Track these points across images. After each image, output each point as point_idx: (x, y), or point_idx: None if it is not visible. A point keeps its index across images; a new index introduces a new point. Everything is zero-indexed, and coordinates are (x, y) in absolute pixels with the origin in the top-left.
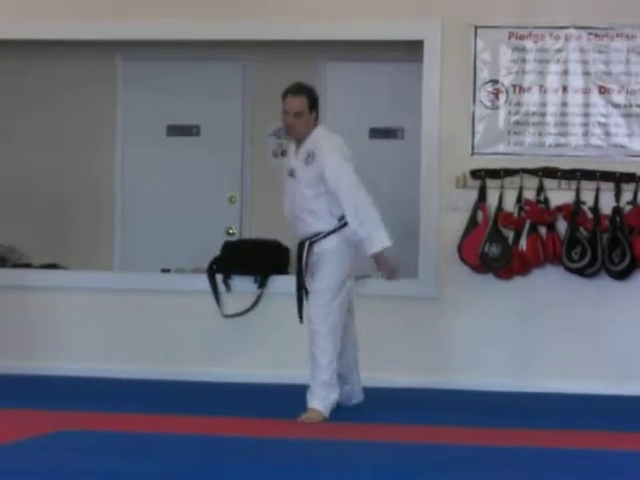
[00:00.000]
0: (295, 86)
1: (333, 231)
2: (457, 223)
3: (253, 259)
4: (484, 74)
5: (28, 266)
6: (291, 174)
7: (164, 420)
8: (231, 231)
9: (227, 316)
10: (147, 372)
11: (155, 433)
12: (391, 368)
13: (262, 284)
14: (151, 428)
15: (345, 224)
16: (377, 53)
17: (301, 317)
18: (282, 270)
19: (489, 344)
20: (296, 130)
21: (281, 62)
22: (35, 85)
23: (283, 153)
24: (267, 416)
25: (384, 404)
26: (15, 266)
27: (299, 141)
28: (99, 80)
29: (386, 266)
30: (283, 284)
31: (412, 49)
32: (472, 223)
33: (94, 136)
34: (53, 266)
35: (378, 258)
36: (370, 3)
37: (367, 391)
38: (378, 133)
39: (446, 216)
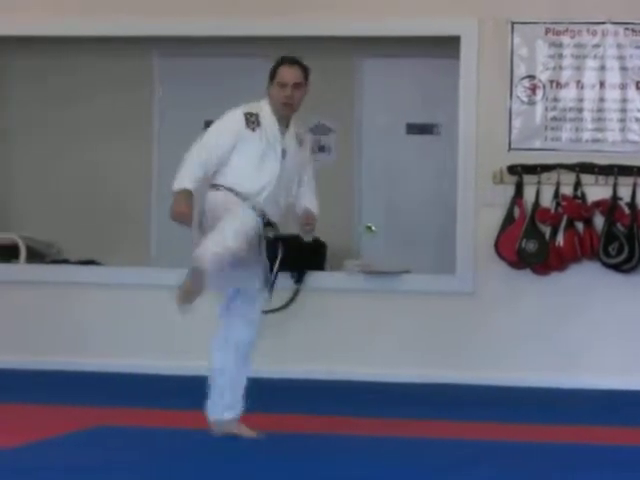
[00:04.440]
0: (289, 57)
1: None
2: (494, 219)
3: (290, 255)
4: (521, 70)
5: (66, 262)
6: (283, 155)
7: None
8: None
9: (265, 312)
10: (187, 368)
11: (192, 429)
12: (428, 364)
13: (299, 280)
14: (188, 424)
15: None
16: (414, 49)
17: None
18: (319, 266)
19: (526, 339)
20: (293, 104)
21: (316, 59)
22: (75, 81)
23: (321, 149)
24: (301, 411)
25: (422, 400)
26: (53, 262)
27: (286, 118)
28: (136, 76)
29: None
30: (320, 280)
31: (449, 45)
32: (509, 219)
33: (131, 132)
34: (91, 262)
35: None
36: None
37: (406, 387)
38: (415, 129)
39: (483, 212)
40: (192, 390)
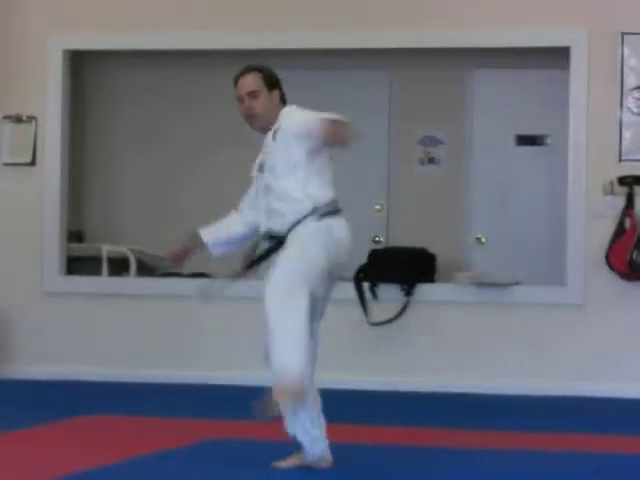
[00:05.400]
0: (243, 68)
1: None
2: (604, 230)
3: (400, 267)
4: (631, 81)
5: (177, 275)
6: (260, 169)
7: None
8: (377, 239)
9: (374, 324)
10: None
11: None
12: (539, 375)
13: (409, 292)
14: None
15: (320, 209)
16: (523, 60)
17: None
18: (429, 278)
19: (636, 351)
20: (256, 114)
21: (427, 70)
22: (192, 94)
23: (430, 161)
24: (404, 423)
25: (531, 411)
26: (164, 275)
27: (265, 130)
28: None
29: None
30: (430, 292)
31: (559, 56)
32: (620, 230)
33: (242, 141)
34: (202, 275)
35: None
36: (516, 10)
37: (516, 399)
38: (524, 140)
39: (593, 223)
40: None
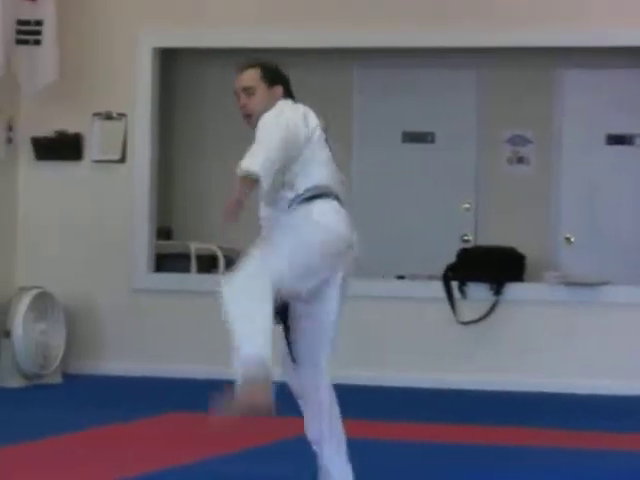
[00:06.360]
0: (243, 63)
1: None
2: None
3: (489, 266)
4: None
5: None
6: None
7: (397, 427)
8: (466, 238)
9: (463, 323)
10: (381, 379)
11: (385, 439)
12: (628, 375)
13: (498, 291)
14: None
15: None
16: (614, 60)
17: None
18: (518, 277)
19: None
20: (250, 112)
21: (516, 68)
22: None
23: (519, 160)
24: (498, 423)
25: (624, 411)
26: None
27: None
28: (335, 87)
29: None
30: (519, 291)
31: None
32: None
33: (330, 142)
34: None
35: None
36: (608, 9)
37: (604, 399)
38: (614, 140)
39: None
40: (393, 400)
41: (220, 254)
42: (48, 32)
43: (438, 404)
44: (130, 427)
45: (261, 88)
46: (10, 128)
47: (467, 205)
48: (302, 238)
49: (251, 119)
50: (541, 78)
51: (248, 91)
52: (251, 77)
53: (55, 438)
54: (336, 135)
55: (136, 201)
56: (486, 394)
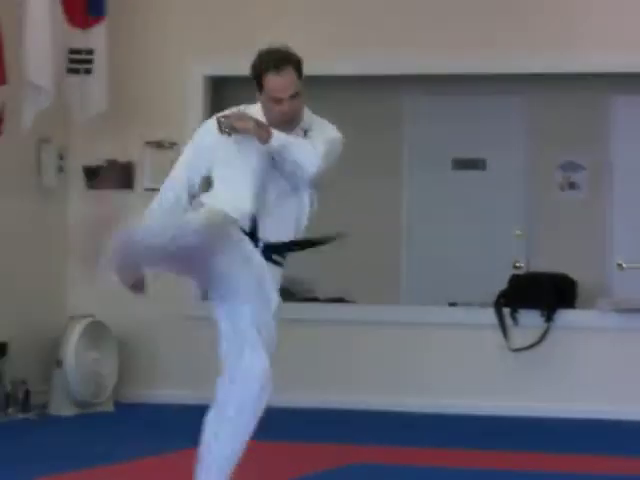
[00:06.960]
0: (272, 57)
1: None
2: None
3: (540, 292)
4: None
5: (315, 300)
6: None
7: (452, 455)
8: (518, 264)
9: (514, 350)
10: (434, 406)
11: (439, 467)
12: None
13: (549, 318)
14: (434, 462)
15: None
16: None
17: None
18: (570, 304)
19: None
20: (297, 116)
21: (566, 95)
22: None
23: (570, 186)
24: (552, 450)
25: None
26: (304, 300)
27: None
28: (385, 114)
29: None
30: (571, 318)
31: None
32: None
33: (380, 170)
34: (340, 300)
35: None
36: None
37: None
38: None
39: None
40: (438, 426)
41: None
42: (99, 61)
43: (491, 431)
44: (181, 456)
45: (301, 90)
46: (61, 157)
47: (519, 232)
48: None
49: (292, 121)
50: (593, 103)
51: (294, 96)
52: (294, 80)
53: (105, 467)
54: (386, 163)
55: None
56: (539, 421)
